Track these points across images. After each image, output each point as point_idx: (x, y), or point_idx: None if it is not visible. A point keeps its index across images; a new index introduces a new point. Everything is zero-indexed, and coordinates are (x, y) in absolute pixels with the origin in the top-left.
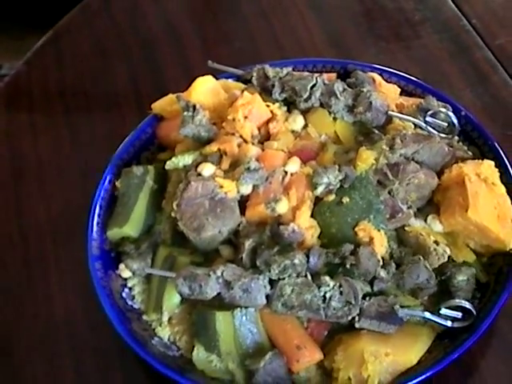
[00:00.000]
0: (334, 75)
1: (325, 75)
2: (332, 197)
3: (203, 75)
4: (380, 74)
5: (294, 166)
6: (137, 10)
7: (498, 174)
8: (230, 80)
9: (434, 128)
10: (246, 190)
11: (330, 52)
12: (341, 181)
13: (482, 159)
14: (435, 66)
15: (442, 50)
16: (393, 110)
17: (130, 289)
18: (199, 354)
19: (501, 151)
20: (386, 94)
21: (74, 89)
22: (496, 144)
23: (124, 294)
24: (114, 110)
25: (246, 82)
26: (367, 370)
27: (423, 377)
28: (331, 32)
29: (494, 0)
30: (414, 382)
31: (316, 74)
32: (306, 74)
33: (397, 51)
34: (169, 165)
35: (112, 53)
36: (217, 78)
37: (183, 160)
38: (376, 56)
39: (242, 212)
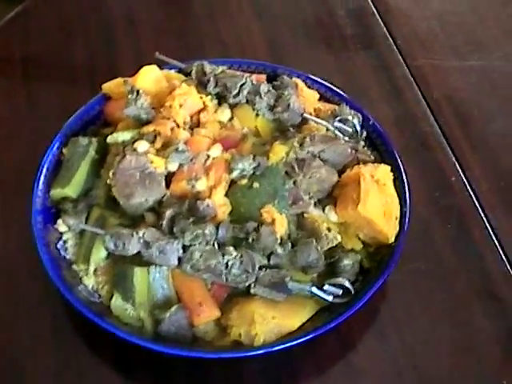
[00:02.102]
0: (263, 77)
1: (255, 76)
2: (245, 181)
3: (150, 64)
4: (304, 80)
5: (215, 151)
6: None
7: (391, 178)
8: (172, 71)
9: (341, 132)
10: (173, 167)
11: (267, 55)
12: (254, 168)
13: (381, 163)
14: (358, 77)
15: (366, 64)
16: (310, 113)
17: (65, 242)
18: (117, 302)
19: (398, 158)
20: (305, 98)
21: (36, 60)
22: (395, 151)
23: (59, 246)
24: (69, 84)
25: (186, 74)
26: (255, 329)
27: (302, 340)
28: (270, 38)
29: (418, 25)
30: (294, 343)
31: (247, 74)
32: (239, 73)
33: (326, 61)
34: (110, 139)
35: (74, 31)
36: (161, 68)
37: (123, 136)
38: (307, 63)
39: (167, 186)
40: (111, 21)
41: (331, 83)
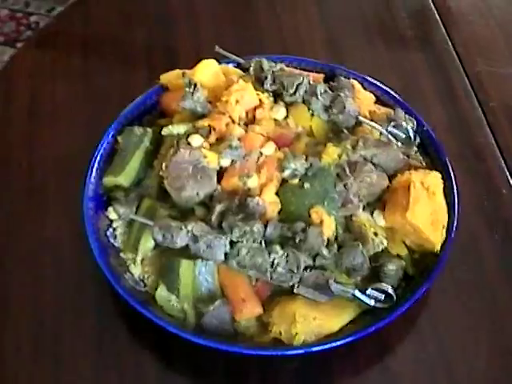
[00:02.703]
0: (321, 76)
1: (313, 75)
2: (296, 181)
3: (209, 56)
4: (361, 82)
5: (269, 149)
6: None
7: (441, 185)
8: (230, 65)
9: (394, 137)
10: (226, 163)
11: (325, 52)
12: (306, 169)
13: (432, 170)
14: (416, 80)
15: (424, 67)
16: (365, 116)
17: (114, 229)
18: (161, 292)
19: (449, 167)
20: (361, 100)
21: (95, 47)
22: (447, 159)
23: (108, 233)
24: (127, 71)
25: (244, 69)
26: (296, 329)
27: (341, 342)
28: (330, 35)
29: (479, 30)
30: (334, 344)
31: (305, 73)
32: (296, 72)
33: (385, 61)
34: (165, 131)
35: (134, 19)
36: (219, 62)
37: (178, 129)
38: (365, 63)
39: (219, 181)
40: (171, 9)
41: (388, 85)
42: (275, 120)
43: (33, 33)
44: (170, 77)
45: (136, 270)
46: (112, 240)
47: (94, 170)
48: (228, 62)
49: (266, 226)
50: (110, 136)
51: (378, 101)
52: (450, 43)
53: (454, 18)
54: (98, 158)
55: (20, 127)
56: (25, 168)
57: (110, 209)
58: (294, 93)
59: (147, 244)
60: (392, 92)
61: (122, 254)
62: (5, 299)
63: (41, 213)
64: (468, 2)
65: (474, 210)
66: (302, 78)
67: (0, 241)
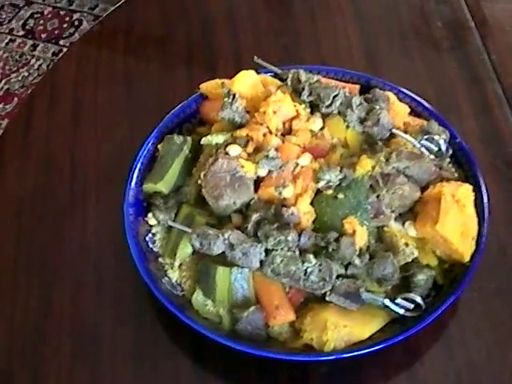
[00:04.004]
0: (356, 87)
1: (348, 87)
2: (330, 191)
3: (248, 64)
4: (396, 93)
5: (305, 160)
6: None
7: (472, 198)
8: (268, 75)
9: (427, 149)
10: (262, 172)
11: (361, 61)
12: (340, 180)
13: (465, 182)
14: (450, 90)
15: (459, 78)
16: (399, 128)
17: (153, 235)
18: (198, 297)
19: (481, 179)
20: (396, 112)
21: (137, 52)
22: (478, 172)
23: (147, 238)
24: (167, 77)
25: (282, 80)
26: (327, 336)
27: (371, 349)
28: (367, 44)
29: None
30: (363, 352)
31: (341, 85)
32: (333, 83)
33: (420, 71)
34: (204, 141)
35: (175, 26)
36: (258, 72)
37: (216, 139)
38: (400, 73)
39: (255, 190)
40: (212, 16)
41: (423, 96)
42: (311, 131)
43: (76, 32)
44: (209, 86)
45: (174, 275)
46: (151, 245)
47: (135, 176)
48: (266, 72)
49: (300, 235)
50: (151, 144)
51: (413, 112)
52: (485, 53)
53: (490, 27)
54: (139, 164)
55: (63, 133)
56: (67, 173)
57: (150, 215)
58: (330, 104)
59: (185, 250)
60: (426, 104)
61: (160, 259)
62: (47, 298)
63: (82, 217)
64: (504, 12)
65: (504, 221)
66: (338, 90)
67: (45, 242)
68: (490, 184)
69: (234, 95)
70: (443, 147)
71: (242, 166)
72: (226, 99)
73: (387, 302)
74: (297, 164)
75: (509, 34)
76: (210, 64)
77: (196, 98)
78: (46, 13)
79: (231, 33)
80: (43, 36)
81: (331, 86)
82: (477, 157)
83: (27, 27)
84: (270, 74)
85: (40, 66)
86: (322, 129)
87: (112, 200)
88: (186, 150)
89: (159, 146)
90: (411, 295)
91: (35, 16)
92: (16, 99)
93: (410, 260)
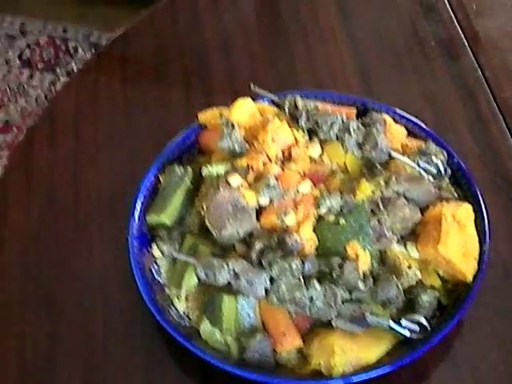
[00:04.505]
0: (353, 111)
1: (345, 111)
2: (332, 217)
3: (244, 92)
4: (392, 115)
5: (305, 187)
6: (198, 21)
7: (472, 217)
8: (265, 102)
9: (426, 171)
10: (264, 201)
11: (358, 85)
12: (341, 205)
13: (465, 201)
14: (446, 109)
15: (454, 96)
16: (397, 150)
17: (159, 266)
18: (205, 327)
19: (480, 198)
20: (393, 134)
21: (134, 83)
22: (478, 191)
23: (153, 270)
24: (166, 108)
25: (279, 107)
26: (334, 360)
27: (378, 372)
28: (361, 66)
29: (508, 57)
30: (370, 375)
31: (338, 110)
32: (330, 108)
33: (415, 92)
34: (205, 172)
35: (170, 57)
36: (254, 99)
37: (217, 169)
38: (395, 94)
39: (258, 219)
40: (206, 45)
41: (419, 116)
42: (310, 157)
43: (73, 61)
44: (207, 116)
45: (180, 306)
46: (157, 276)
47: (138, 208)
48: (263, 99)
49: (303, 262)
50: (152, 175)
51: (410, 133)
52: (479, 70)
53: (482, 44)
54: (141, 197)
55: (64, 167)
56: (70, 208)
57: (154, 246)
58: (328, 130)
59: (191, 280)
60: (422, 125)
61: (166, 290)
62: (56, 332)
63: (87, 250)
64: (495, 28)
65: (506, 237)
66: (335, 116)
67: (51, 277)
68: (490, 201)
69: (233, 125)
70: (442, 168)
71: (244, 196)
72: (224, 129)
73: (392, 324)
74: (297, 191)
75: (501, 49)
76: (207, 92)
77: (195, 128)
78: (41, 42)
79: (226, 60)
80: (40, 65)
81: (328, 112)
82: (476, 175)
83: (23, 57)
84: (266, 101)
85: (38, 95)
86: (321, 155)
87: (116, 233)
88: (187, 181)
89: (161, 178)
90: (416, 317)
91: (31, 46)
92: (15, 130)
93: (414, 282)
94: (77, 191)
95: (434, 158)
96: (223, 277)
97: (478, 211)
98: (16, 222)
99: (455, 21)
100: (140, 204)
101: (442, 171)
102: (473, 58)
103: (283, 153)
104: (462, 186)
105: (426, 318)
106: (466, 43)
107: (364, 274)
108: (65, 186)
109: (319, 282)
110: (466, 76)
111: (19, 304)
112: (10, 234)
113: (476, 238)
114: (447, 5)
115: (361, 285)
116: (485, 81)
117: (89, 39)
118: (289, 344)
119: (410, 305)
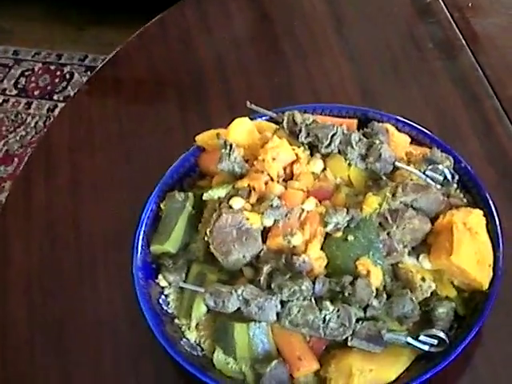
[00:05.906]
0: (354, 122)
1: (346, 123)
2: (339, 234)
3: (241, 111)
4: (395, 124)
5: (310, 205)
6: (190, 40)
7: (484, 223)
8: (263, 119)
9: (432, 179)
10: (268, 222)
11: (357, 95)
12: (348, 221)
13: (474, 207)
14: (449, 112)
15: (456, 98)
16: (402, 159)
17: (166, 296)
18: (219, 356)
19: (491, 202)
20: (396, 143)
21: (128, 108)
22: (487, 195)
23: (161, 300)
24: (162, 132)
25: (278, 123)
26: (353, 382)
27: None
28: (359, 76)
29: (508, 55)
30: None
31: (338, 122)
32: (329, 121)
33: (417, 97)
34: (206, 196)
35: (164, 79)
36: (252, 118)
37: (218, 193)
38: (397, 101)
39: (264, 241)
40: (201, 64)
41: (422, 122)
42: (313, 173)
43: (69, 86)
44: (205, 137)
45: (192, 336)
46: (165, 307)
47: (140, 239)
48: (261, 116)
49: (314, 283)
50: (153, 203)
51: (414, 140)
52: (479, 70)
53: (481, 43)
54: (143, 226)
55: (63, 200)
56: (72, 242)
57: (160, 276)
58: (329, 144)
59: (200, 309)
60: (426, 131)
61: (176, 321)
62: (66, 372)
63: (92, 287)
64: (493, 27)
65: None
66: (335, 129)
67: (58, 316)
68: (500, 204)
69: (231, 145)
70: (448, 175)
71: (248, 219)
72: (223, 150)
73: (410, 340)
74: (302, 210)
75: (500, 47)
76: (204, 112)
77: (193, 151)
78: (36, 69)
79: (222, 79)
80: (36, 93)
81: (328, 124)
82: (484, 178)
83: (19, 86)
84: (264, 118)
85: (36, 123)
86: (323, 170)
87: (120, 265)
88: (188, 207)
89: (162, 205)
90: (433, 331)
91: (26, 74)
92: (16, 160)
93: (429, 294)
94: (77, 225)
95: (440, 165)
96: (232, 304)
97: (488, 215)
98: (19, 262)
99: (452, 21)
100: (143, 234)
101: (449, 178)
102: (472, 58)
103: (285, 171)
104: (471, 190)
105: (443, 330)
106: (464, 43)
107: (377, 291)
108: (64, 221)
109: (331, 301)
110: (467, 76)
111: (28, 347)
112: (13, 274)
113: (489, 244)
114: (442, 4)
115: (374, 302)
116: (486, 80)
117: (83, 63)
118: (305, 368)
119: (426, 317)
